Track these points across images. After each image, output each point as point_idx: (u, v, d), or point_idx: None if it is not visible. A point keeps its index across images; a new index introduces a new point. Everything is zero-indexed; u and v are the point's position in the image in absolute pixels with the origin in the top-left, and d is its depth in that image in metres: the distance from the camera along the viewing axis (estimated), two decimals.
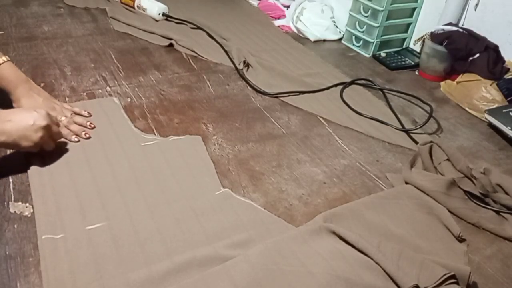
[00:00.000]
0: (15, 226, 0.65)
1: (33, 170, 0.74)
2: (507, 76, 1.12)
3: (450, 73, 1.24)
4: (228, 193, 0.75)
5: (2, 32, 1.22)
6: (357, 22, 1.37)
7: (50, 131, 0.75)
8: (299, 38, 1.44)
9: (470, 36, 1.17)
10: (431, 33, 1.23)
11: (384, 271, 0.60)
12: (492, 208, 0.78)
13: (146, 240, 0.65)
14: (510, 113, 1.02)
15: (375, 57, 1.35)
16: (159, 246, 0.64)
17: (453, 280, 0.58)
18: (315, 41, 1.43)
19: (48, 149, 0.77)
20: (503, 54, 1.15)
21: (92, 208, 0.68)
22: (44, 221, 0.65)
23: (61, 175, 0.74)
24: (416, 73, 1.30)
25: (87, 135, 0.84)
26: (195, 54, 1.23)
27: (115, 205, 0.70)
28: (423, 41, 1.28)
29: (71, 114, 0.87)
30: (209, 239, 0.65)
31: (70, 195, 0.70)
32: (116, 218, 0.67)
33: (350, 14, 1.39)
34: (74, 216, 0.67)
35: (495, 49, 1.15)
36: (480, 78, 1.14)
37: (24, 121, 0.71)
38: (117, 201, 0.70)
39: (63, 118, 0.85)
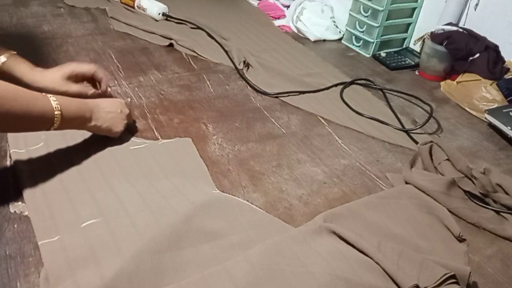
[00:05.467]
0: (15, 226, 0.65)
1: (24, 177, 0.73)
2: (507, 76, 1.12)
3: (450, 73, 1.24)
4: (224, 195, 0.75)
5: (2, 32, 1.22)
6: (357, 22, 1.37)
7: (130, 117, 0.86)
8: (299, 38, 1.44)
9: (470, 36, 1.17)
10: (431, 33, 1.23)
11: (384, 271, 0.59)
12: (492, 208, 0.78)
13: (144, 229, 0.64)
14: (510, 113, 1.02)
15: (375, 57, 1.35)
16: (159, 236, 0.63)
17: (453, 280, 0.58)
18: (315, 41, 1.43)
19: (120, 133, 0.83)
20: (503, 54, 1.15)
21: (85, 207, 0.68)
22: (39, 227, 0.64)
23: (50, 180, 0.73)
24: (416, 73, 1.30)
25: None
26: (195, 54, 1.23)
27: (108, 201, 0.69)
28: (423, 41, 1.28)
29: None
30: (208, 237, 0.65)
31: (62, 199, 0.69)
32: (111, 212, 0.67)
33: (350, 14, 1.39)
34: (67, 217, 0.66)
35: (495, 49, 1.15)
36: (480, 78, 1.14)
37: (114, 109, 0.81)
38: (110, 198, 0.70)
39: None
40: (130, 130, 0.87)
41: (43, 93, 0.69)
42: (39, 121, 0.67)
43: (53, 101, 0.68)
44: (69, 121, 0.71)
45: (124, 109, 0.83)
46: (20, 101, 0.64)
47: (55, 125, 0.69)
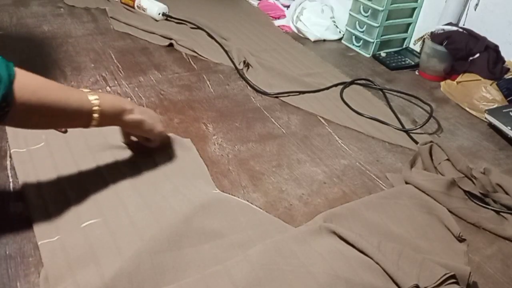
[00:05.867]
0: (15, 226, 0.65)
1: (24, 177, 0.73)
2: (507, 76, 1.12)
3: (450, 73, 1.24)
4: (224, 195, 0.75)
5: (2, 32, 1.22)
6: (357, 22, 1.37)
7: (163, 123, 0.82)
8: (299, 38, 1.44)
9: (470, 36, 1.17)
10: (431, 33, 1.23)
11: (384, 271, 0.60)
12: (492, 208, 0.78)
13: (144, 229, 0.64)
14: (510, 113, 1.02)
15: (375, 57, 1.35)
16: (158, 235, 0.63)
17: (453, 280, 0.58)
18: (315, 41, 1.43)
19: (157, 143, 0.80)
20: (503, 54, 1.15)
21: (84, 207, 0.68)
22: (39, 227, 0.64)
23: (50, 180, 0.73)
24: (416, 73, 1.30)
25: None
26: (195, 54, 1.23)
27: (108, 201, 0.69)
28: (423, 41, 1.28)
29: None
30: (208, 237, 0.65)
31: (62, 198, 0.69)
32: (111, 212, 0.67)
33: (350, 14, 1.39)
34: (67, 217, 0.66)
35: (495, 49, 1.15)
36: (480, 78, 1.14)
37: (150, 110, 0.78)
38: (109, 198, 0.70)
39: None
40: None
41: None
42: (77, 114, 0.63)
43: (89, 93, 0.65)
44: (109, 114, 0.67)
45: (157, 114, 0.82)
46: (53, 90, 0.60)
47: (94, 115, 0.65)
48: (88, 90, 0.66)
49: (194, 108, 0.99)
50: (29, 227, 0.64)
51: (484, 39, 1.16)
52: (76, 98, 0.63)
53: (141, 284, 0.57)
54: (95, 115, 0.65)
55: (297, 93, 1.10)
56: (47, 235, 0.63)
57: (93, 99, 0.65)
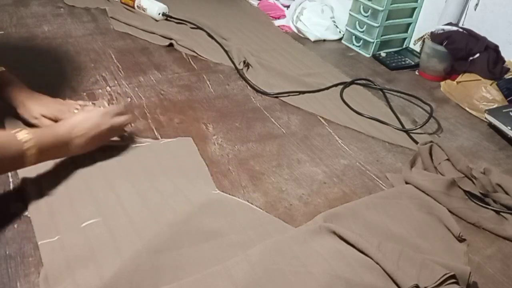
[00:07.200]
0: (15, 226, 0.65)
1: (24, 176, 0.72)
2: (507, 76, 1.12)
3: (450, 73, 1.24)
4: (224, 195, 0.75)
5: (2, 32, 1.22)
6: (357, 22, 1.37)
7: (120, 110, 0.79)
8: (299, 38, 1.44)
9: (470, 36, 1.17)
10: (431, 33, 1.23)
11: (384, 271, 0.59)
12: (492, 208, 0.78)
13: (144, 229, 0.64)
14: (510, 113, 1.02)
15: (375, 57, 1.35)
16: (158, 235, 0.63)
17: (453, 280, 0.58)
18: (315, 41, 1.43)
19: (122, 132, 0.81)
20: (503, 54, 1.15)
21: (85, 207, 0.68)
22: (40, 227, 0.64)
23: (50, 180, 0.73)
24: (416, 73, 1.30)
25: None
26: (195, 54, 1.23)
27: (108, 201, 0.69)
28: (423, 41, 1.28)
29: (80, 106, 0.86)
30: (207, 237, 0.65)
31: (62, 198, 0.69)
32: (110, 212, 0.67)
33: (350, 14, 1.39)
34: (68, 217, 0.66)
35: (495, 49, 1.15)
36: (480, 78, 1.14)
37: (88, 114, 0.74)
38: (109, 198, 0.70)
39: (75, 110, 0.83)
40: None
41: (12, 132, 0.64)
42: (5, 157, 0.61)
43: (17, 132, 0.63)
44: (47, 149, 0.66)
45: (104, 108, 0.78)
46: None
47: (27, 153, 0.63)
48: (17, 130, 0.63)
49: (194, 108, 0.99)
50: (29, 227, 0.64)
51: (484, 39, 1.16)
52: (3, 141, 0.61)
53: (140, 284, 0.57)
54: (28, 152, 0.63)
55: (297, 93, 1.09)
56: (47, 235, 0.63)
57: (24, 136, 0.63)
